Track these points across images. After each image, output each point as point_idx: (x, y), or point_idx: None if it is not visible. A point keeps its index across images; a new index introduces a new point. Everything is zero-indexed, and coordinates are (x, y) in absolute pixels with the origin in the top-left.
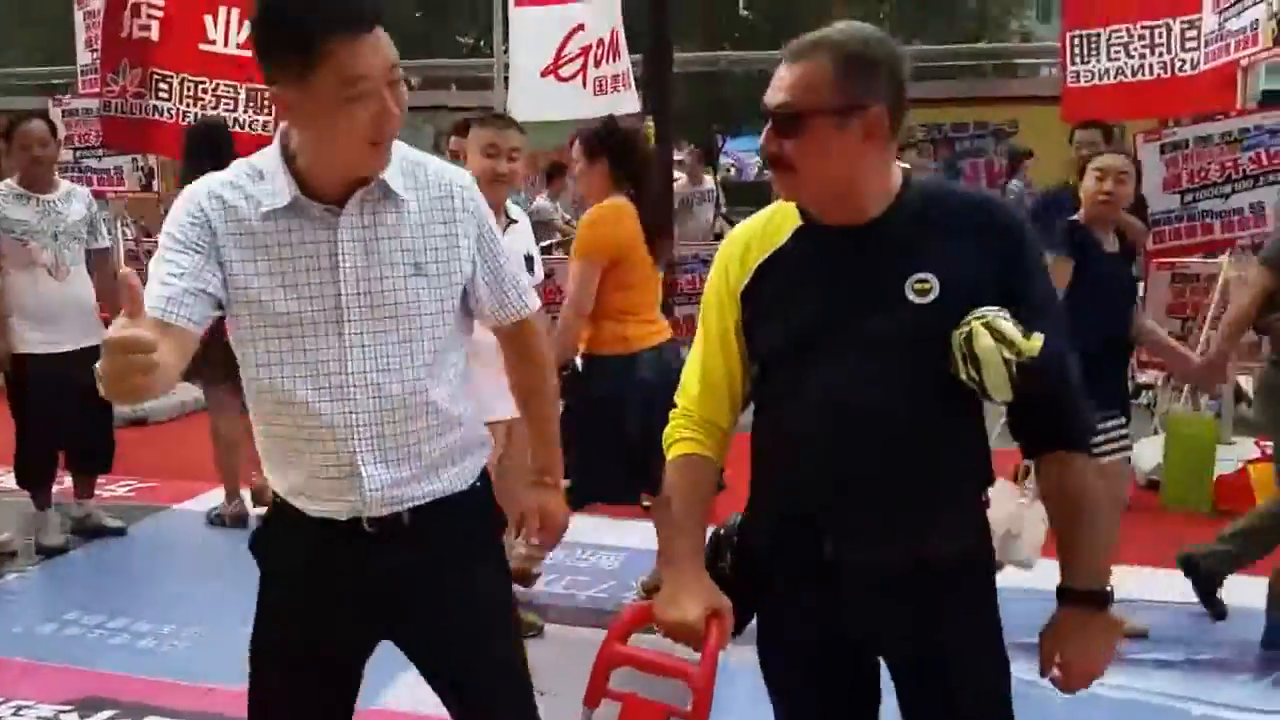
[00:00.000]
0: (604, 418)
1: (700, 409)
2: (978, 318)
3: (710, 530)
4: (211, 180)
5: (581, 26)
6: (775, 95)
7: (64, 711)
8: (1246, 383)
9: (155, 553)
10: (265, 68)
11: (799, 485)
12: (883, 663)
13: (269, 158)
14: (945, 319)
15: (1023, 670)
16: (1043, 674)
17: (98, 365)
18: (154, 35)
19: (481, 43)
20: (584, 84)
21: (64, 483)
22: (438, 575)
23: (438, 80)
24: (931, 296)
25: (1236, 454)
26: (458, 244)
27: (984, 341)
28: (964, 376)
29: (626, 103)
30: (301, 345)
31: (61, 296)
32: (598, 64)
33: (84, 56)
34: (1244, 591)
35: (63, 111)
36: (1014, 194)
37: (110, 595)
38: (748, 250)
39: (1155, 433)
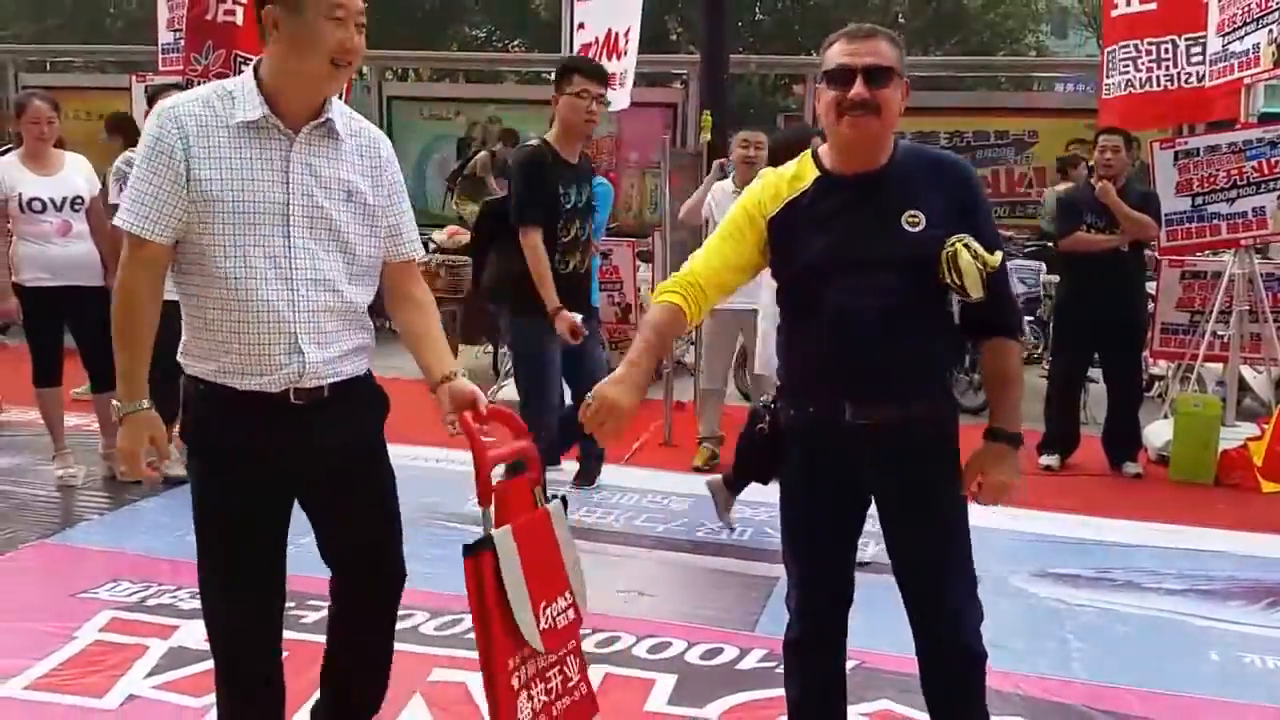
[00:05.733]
0: None
1: (698, 277)
2: (959, 240)
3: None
4: (180, 99)
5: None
6: (864, 58)
7: None
8: (1250, 374)
9: None
10: None
11: (823, 373)
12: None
13: (240, 84)
14: (928, 244)
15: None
16: (965, 490)
17: None
18: (239, 20)
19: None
20: None
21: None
22: (346, 442)
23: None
24: (920, 227)
25: (1240, 434)
26: (380, 184)
27: (965, 256)
28: (949, 281)
29: (618, 100)
30: (255, 241)
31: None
32: (606, 60)
33: (165, 36)
34: (1239, 541)
35: (145, 88)
36: None
37: None
38: (779, 190)
39: (1165, 416)
